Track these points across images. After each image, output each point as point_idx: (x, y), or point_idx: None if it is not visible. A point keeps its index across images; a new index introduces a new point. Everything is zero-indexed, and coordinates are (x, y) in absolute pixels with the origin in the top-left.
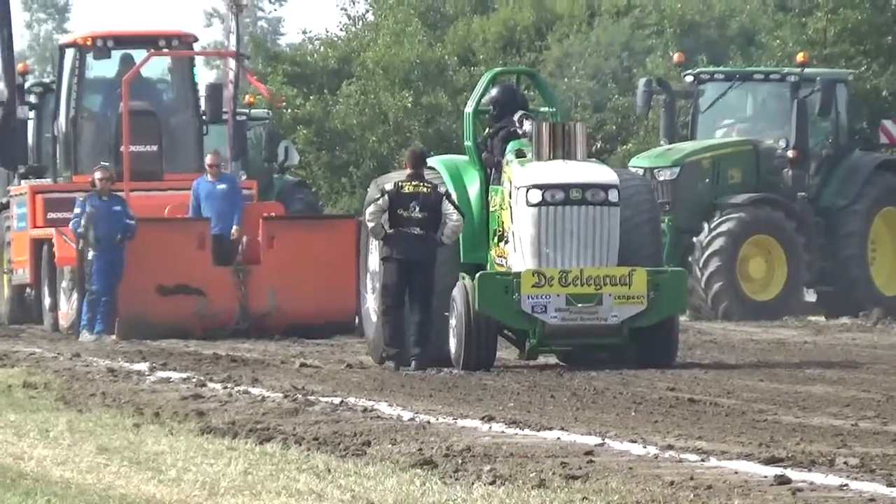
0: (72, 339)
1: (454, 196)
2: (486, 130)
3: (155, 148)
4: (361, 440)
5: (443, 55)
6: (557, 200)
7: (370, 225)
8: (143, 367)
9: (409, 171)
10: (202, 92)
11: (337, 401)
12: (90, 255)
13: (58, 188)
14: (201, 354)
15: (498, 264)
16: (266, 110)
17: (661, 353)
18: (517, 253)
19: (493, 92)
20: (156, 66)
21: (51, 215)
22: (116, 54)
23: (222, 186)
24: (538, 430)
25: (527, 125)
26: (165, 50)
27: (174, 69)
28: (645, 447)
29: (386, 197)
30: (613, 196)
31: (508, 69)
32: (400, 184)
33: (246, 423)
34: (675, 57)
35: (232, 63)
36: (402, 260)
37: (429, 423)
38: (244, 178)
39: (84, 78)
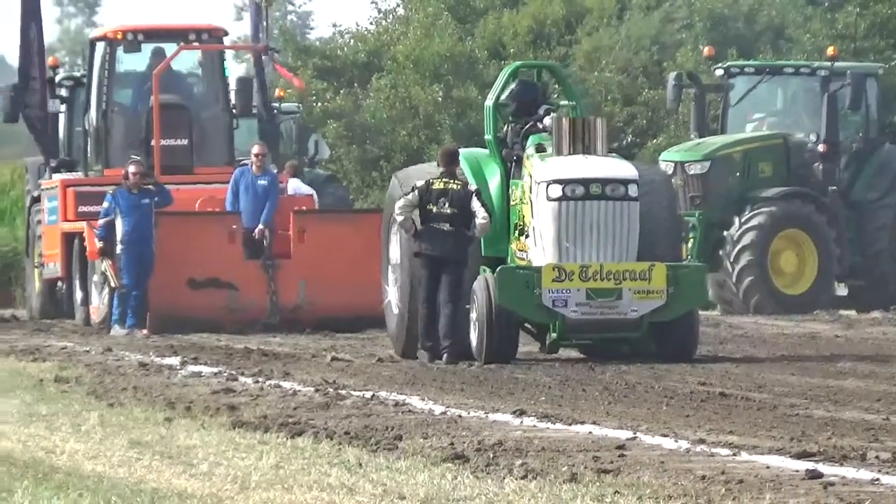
0: (103, 333)
1: (483, 195)
2: (506, 125)
3: (185, 142)
4: (393, 434)
5: (473, 49)
6: (577, 195)
7: (399, 219)
8: (174, 361)
9: (441, 168)
10: (232, 85)
11: (368, 395)
12: (118, 249)
13: (89, 182)
14: (232, 348)
15: (519, 258)
16: (297, 104)
17: (681, 347)
18: (538, 247)
19: (512, 87)
20: (186, 60)
21: (82, 209)
22: (147, 48)
23: (263, 182)
24: (570, 425)
25: (547, 120)
26: (196, 43)
27: (204, 63)
28: (676, 441)
29: (416, 192)
30: (633, 191)
31: (529, 63)
32: (431, 180)
33: (277, 417)
34: (706, 51)
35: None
36: (432, 256)
37: (460, 417)
38: (276, 171)
39: (114, 72)
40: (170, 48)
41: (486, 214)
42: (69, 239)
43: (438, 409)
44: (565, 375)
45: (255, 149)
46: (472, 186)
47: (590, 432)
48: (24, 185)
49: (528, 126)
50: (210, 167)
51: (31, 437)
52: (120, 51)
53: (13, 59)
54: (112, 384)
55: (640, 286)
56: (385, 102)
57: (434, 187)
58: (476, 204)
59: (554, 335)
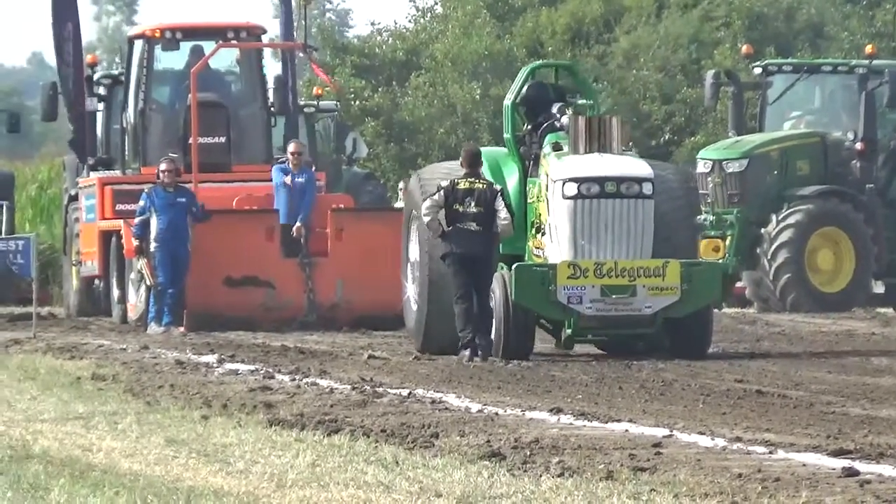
0: (140, 331)
1: (507, 194)
2: (525, 123)
3: (223, 140)
4: (429, 432)
5: (511, 47)
6: (593, 193)
7: (426, 219)
8: (211, 359)
9: (464, 169)
10: (270, 84)
11: (405, 392)
12: (153, 247)
13: (126, 180)
14: (269, 346)
15: (535, 255)
16: (335, 102)
17: (695, 343)
18: (554, 244)
19: (525, 89)
20: (224, 58)
21: (119, 207)
22: (185, 46)
23: (300, 180)
24: (606, 422)
25: (563, 119)
26: (234, 41)
27: (242, 61)
28: (713, 439)
29: (442, 193)
30: (648, 189)
31: (547, 63)
32: (456, 180)
33: (314, 414)
34: (744, 49)
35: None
36: (461, 254)
37: (497, 414)
38: (314, 169)
39: (153, 70)
40: (208, 46)
41: (507, 215)
42: (106, 237)
43: (475, 406)
44: (602, 373)
45: (292, 146)
46: (497, 186)
47: (626, 430)
48: (62, 183)
49: (545, 125)
50: (248, 165)
51: (68, 435)
52: (158, 49)
53: (52, 58)
54: (149, 382)
55: (654, 283)
56: (423, 100)
57: (459, 187)
58: (499, 203)
59: (569, 331)
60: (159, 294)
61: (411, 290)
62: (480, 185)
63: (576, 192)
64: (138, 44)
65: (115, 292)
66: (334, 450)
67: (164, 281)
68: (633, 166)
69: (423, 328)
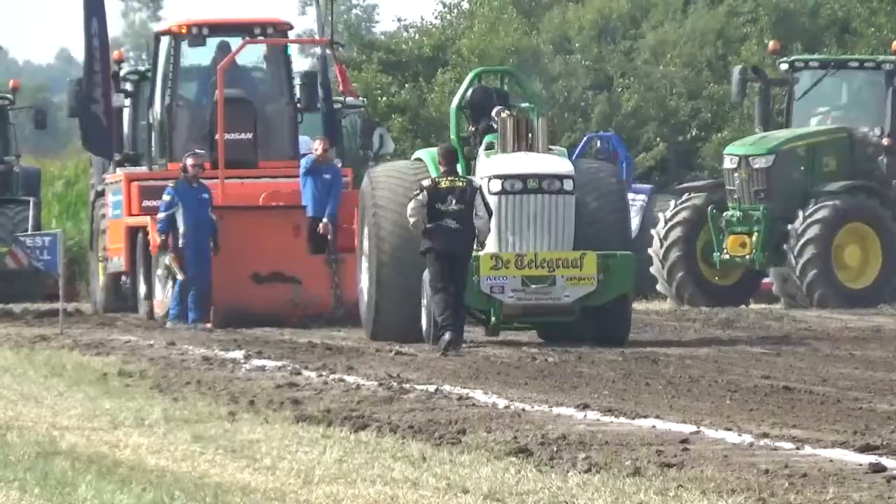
0: (167, 327)
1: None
2: (469, 125)
3: (249, 136)
4: (456, 428)
5: (538, 43)
6: (516, 189)
7: (412, 220)
8: (237, 355)
9: (443, 167)
10: (297, 80)
11: (432, 388)
12: (180, 242)
13: (153, 176)
14: (296, 343)
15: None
16: (361, 98)
17: (615, 331)
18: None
19: (469, 94)
20: (251, 54)
21: (146, 203)
22: (211, 42)
23: (327, 176)
24: (633, 418)
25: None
26: (260, 38)
27: (269, 57)
28: (740, 435)
29: (425, 192)
30: (568, 185)
31: (490, 69)
32: (437, 179)
33: (341, 411)
34: (770, 45)
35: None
36: (441, 251)
37: (524, 410)
38: (340, 165)
39: (179, 66)
40: (234, 42)
41: (485, 213)
42: (133, 233)
43: (502, 402)
44: (629, 369)
45: (316, 143)
46: (477, 183)
47: (653, 426)
48: (89, 179)
49: (484, 127)
50: (274, 161)
51: (95, 431)
52: (184, 45)
53: (79, 54)
54: (176, 378)
55: (572, 273)
56: (449, 97)
57: (441, 186)
58: (478, 201)
59: (493, 319)
60: (182, 291)
61: (364, 282)
62: (461, 184)
63: (500, 188)
64: (165, 40)
65: (142, 288)
66: (361, 446)
67: (192, 277)
68: (555, 164)
69: (372, 316)
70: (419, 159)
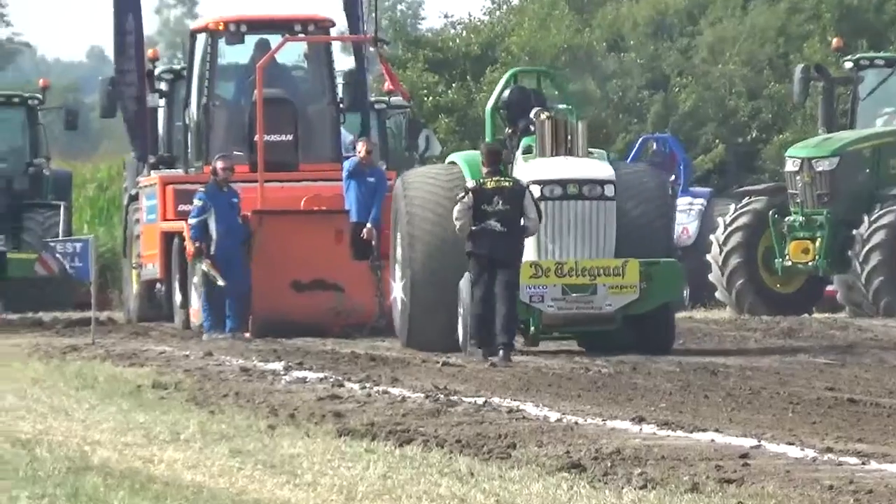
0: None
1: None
2: (506, 127)
3: (290, 137)
4: (506, 442)
5: (591, 40)
6: (555, 195)
7: (459, 223)
8: (277, 366)
9: (486, 168)
10: (339, 79)
11: (480, 401)
12: (212, 249)
13: (189, 179)
14: (338, 353)
15: None
16: (409, 98)
17: (658, 340)
18: None
19: (506, 94)
20: (291, 52)
21: (182, 207)
22: (250, 40)
23: (371, 179)
24: (691, 432)
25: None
26: (301, 35)
27: (310, 55)
28: (803, 450)
29: (470, 195)
30: (609, 191)
31: (527, 69)
32: (482, 180)
33: (385, 424)
34: (834, 42)
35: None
36: (485, 255)
37: (577, 424)
38: (385, 168)
39: (216, 64)
40: (274, 40)
41: (535, 214)
42: (168, 239)
43: (554, 415)
44: (686, 381)
45: (361, 145)
46: (524, 183)
47: (712, 440)
48: (122, 182)
49: (523, 129)
50: (315, 164)
51: (128, 445)
52: (222, 42)
53: (110, 52)
54: (212, 390)
55: (615, 281)
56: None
57: (487, 187)
58: (528, 201)
59: (532, 329)
60: (217, 299)
61: (397, 290)
62: (507, 184)
63: (539, 194)
64: (201, 37)
65: (178, 296)
66: (406, 461)
67: (228, 285)
68: (596, 169)
69: (406, 325)
70: (453, 163)
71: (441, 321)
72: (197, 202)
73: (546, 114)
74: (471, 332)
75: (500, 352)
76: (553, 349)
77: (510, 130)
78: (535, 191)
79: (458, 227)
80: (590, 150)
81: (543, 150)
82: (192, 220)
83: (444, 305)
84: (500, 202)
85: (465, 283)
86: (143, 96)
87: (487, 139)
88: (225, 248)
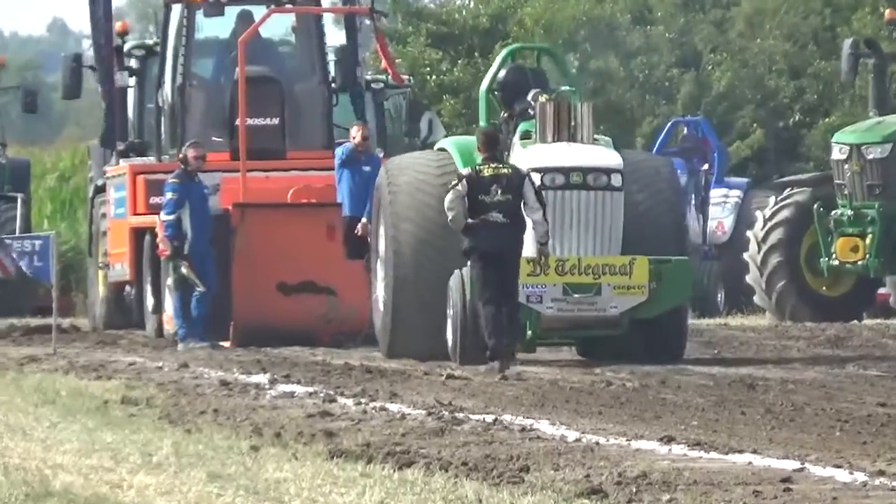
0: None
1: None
2: (502, 110)
3: (276, 121)
4: (518, 465)
5: (613, 13)
6: (557, 184)
7: (451, 214)
8: (262, 379)
9: (483, 154)
10: (331, 55)
11: (490, 419)
12: (186, 247)
13: (162, 168)
14: (330, 364)
15: None
16: (407, 77)
17: (669, 346)
18: None
19: (502, 74)
20: (277, 25)
21: (154, 200)
22: (231, 11)
23: (367, 168)
24: (726, 454)
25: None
26: (288, 6)
27: (299, 29)
28: (851, 473)
29: (464, 182)
30: (617, 181)
31: (525, 46)
32: (478, 167)
33: (382, 445)
34: (887, 14)
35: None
36: (486, 251)
37: (597, 444)
38: (382, 155)
39: (193, 39)
40: (258, 11)
41: (535, 203)
42: (139, 236)
43: (572, 435)
44: (721, 396)
45: (355, 130)
46: (524, 170)
47: (750, 462)
48: (87, 172)
49: (520, 112)
50: (305, 151)
51: (94, 469)
52: (199, 14)
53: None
54: (188, 407)
55: (621, 281)
56: None
57: (483, 175)
58: (528, 189)
59: (529, 333)
60: (188, 305)
61: (380, 290)
62: (506, 171)
63: (539, 183)
64: (176, 9)
65: (150, 301)
66: (406, 486)
67: (207, 288)
68: (602, 156)
69: (389, 330)
70: (443, 149)
71: (428, 325)
72: (170, 195)
73: (546, 96)
74: (488, 343)
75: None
76: (562, 358)
77: (506, 114)
78: (535, 179)
79: (449, 218)
80: (595, 136)
81: (544, 135)
82: (165, 216)
83: (433, 308)
84: (500, 191)
85: (455, 283)
86: (110, 75)
87: (482, 123)
88: (199, 247)
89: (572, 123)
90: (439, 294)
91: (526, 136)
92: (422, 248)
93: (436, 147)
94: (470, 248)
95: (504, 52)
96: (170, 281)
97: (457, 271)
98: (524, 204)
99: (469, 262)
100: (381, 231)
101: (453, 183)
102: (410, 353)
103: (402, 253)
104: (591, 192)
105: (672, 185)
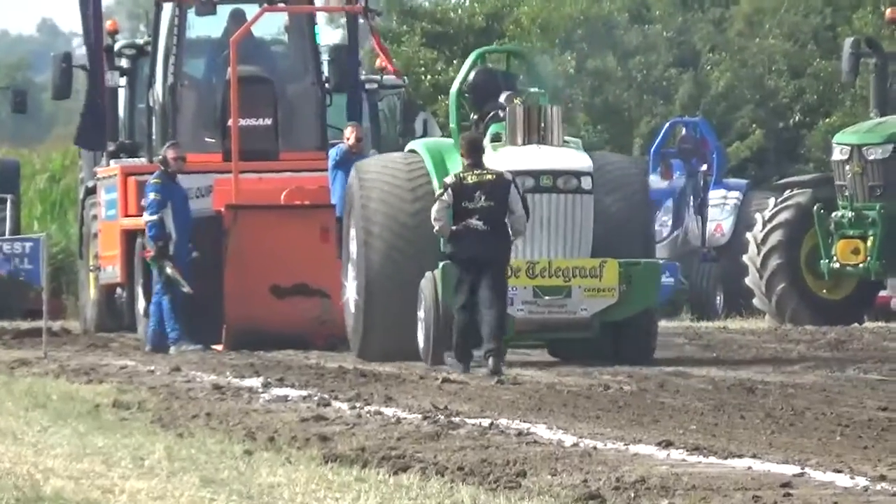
0: (172, 349)
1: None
2: (472, 113)
3: (269, 122)
4: (515, 470)
5: (611, 11)
6: (527, 188)
7: (439, 224)
8: (255, 382)
9: (467, 160)
10: (325, 55)
11: (486, 423)
12: (171, 249)
13: (154, 169)
14: (324, 368)
15: None
16: (402, 76)
17: (638, 348)
18: None
19: (472, 76)
20: (270, 24)
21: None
22: (223, 10)
23: None
24: (725, 458)
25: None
26: (281, 5)
27: (292, 28)
28: (853, 478)
29: (449, 191)
30: (587, 183)
31: (494, 48)
32: (461, 174)
33: (377, 449)
34: (888, 12)
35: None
36: (467, 258)
37: (595, 449)
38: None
39: (184, 38)
40: (250, 10)
41: (520, 209)
42: (130, 238)
43: (569, 439)
44: (720, 400)
45: (349, 131)
46: (509, 175)
47: (749, 467)
48: (78, 173)
49: (491, 114)
50: (298, 152)
51: (85, 473)
52: (191, 13)
53: (65, 24)
54: (181, 410)
55: (591, 284)
56: None
57: (467, 181)
58: (513, 196)
59: None
60: (177, 307)
61: (351, 291)
62: (490, 177)
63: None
64: (167, 7)
65: (141, 303)
66: (402, 491)
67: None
68: (572, 159)
69: (361, 332)
70: (414, 151)
71: (400, 327)
72: (153, 195)
73: (516, 98)
74: (454, 343)
75: (490, 360)
76: (558, 362)
77: (476, 116)
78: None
79: (436, 228)
80: (566, 138)
81: (514, 137)
82: (149, 217)
83: (404, 310)
84: (483, 198)
85: (426, 284)
86: (100, 75)
87: (452, 126)
88: (182, 248)
89: (542, 126)
90: (410, 296)
91: (496, 138)
92: (392, 252)
93: (406, 149)
94: (450, 253)
95: (473, 54)
96: (158, 286)
97: (428, 273)
98: (509, 212)
99: (441, 265)
100: (353, 233)
101: (438, 193)
102: (382, 354)
103: (372, 256)
104: (561, 194)
105: (642, 187)
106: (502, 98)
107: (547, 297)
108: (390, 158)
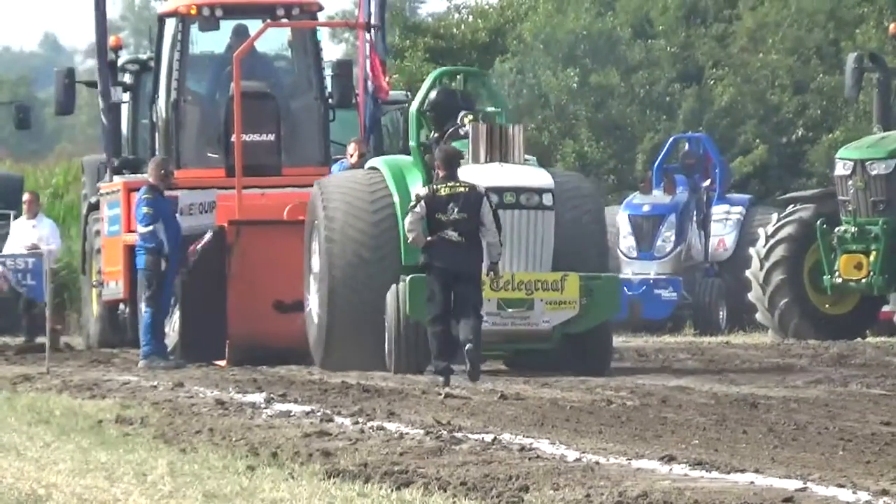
0: (177, 364)
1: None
2: (432, 131)
3: (272, 137)
4: (518, 485)
5: (614, 26)
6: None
7: (411, 236)
8: (257, 398)
9: (442, 173)
10: (328, 70)
11: (489, 438)
12: (163, 265)
13: None
14: (327, 383)
15: None
16: (404, 92)
17: (595, 359)
18: None
19: (433, 95)
20: (273, 40)
21: None
22: (226, 25)
23: None
24: (728, 473)
25: (468, 126)
26: (285, 20)
27: (295, 43)
28: (855, 492)
29: (422, 203)
30: (548, 200)
31: (453, 69)
32: (435, 186)
33: (380, 464)
34: (891, 28)
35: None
36: (442, 269)
37: (598, 464)
38: None
39: (188, 54)
40: (254, 25)
41: (491, 222)
42: (133, 253)
43: (572, 454)
44: (723, 414)
45: (351, 147)
46: (482, 188)
47: (751, 482)
48: (80, 188)
49: (450, 132)
50: (301, 167)
51: (88, 489)
52: (194, 28)
53: (68, 40)
54: (184, 426)
55: (553, 297)
56: (509, 90)
57: (440, 194)
58: (485, 208)
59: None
60: (161, 321)
61: (313, 304)
62: (463, 189)
63: None
64: (170, 23)
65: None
66: None
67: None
68: (534, 176)
69: (323, 343)
70: (375, 168)
71: (364, 338)
72: (145, 209)
73: (470, 117)
74: (433, 356)
75: (468, 362)
76: (560, 377)
77: (437, 134)
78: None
79: (410, 239)
80: (525, 157)
81: (476, 155)
82: (143, 229)
83: (368, 321)
84: (456, 210)
85: (391, 297)
86: (105, 90)
87: (411, 143)
88: (173, 263)
89: (503, 144)
90: (371, 308)
91: None
92: (355, 263)
93: (366, 166)
94: (425, 265)
95: (433, 74)
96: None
97: (393, 286)
98: (480, 225)
99: (427, 279)
100: (314, 247)
101: (411, 205)
102: (344, 366)
103: (335, 269)
104: (524, 210)
105: (595, 203)
106: (459, 117)
107: (510, 310)
108: (352, 175)
